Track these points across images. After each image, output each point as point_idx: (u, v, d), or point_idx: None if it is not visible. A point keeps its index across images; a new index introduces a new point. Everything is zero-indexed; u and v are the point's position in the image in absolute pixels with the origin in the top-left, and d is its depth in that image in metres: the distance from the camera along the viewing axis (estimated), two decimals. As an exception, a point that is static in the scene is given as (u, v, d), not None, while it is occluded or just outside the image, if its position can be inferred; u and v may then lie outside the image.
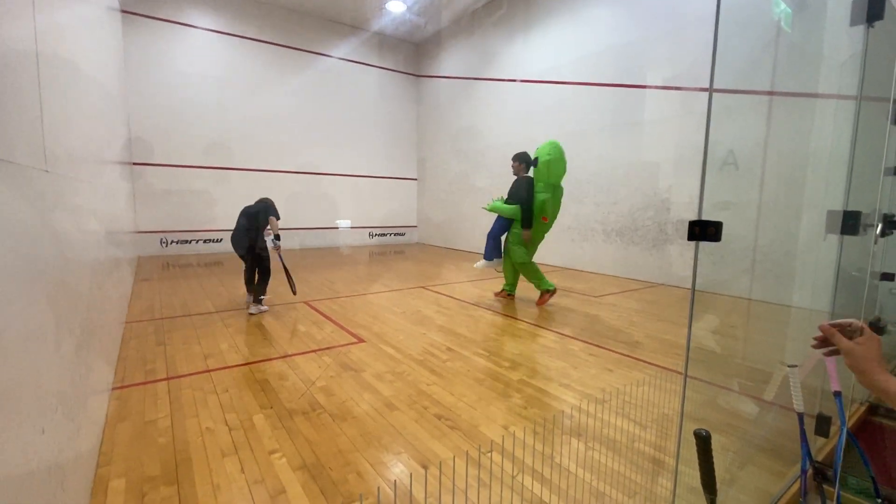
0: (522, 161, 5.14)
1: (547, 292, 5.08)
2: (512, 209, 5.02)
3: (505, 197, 5.23)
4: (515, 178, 5.18)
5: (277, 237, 4.73)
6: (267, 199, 4.89)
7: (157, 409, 2.47)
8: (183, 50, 9.22)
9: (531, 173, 5.12)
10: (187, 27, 9.21)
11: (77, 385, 1.63)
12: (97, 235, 2.76)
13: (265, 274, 4.74)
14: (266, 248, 4.77)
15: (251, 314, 4.52)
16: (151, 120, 8.89)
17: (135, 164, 8.67)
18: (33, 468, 1.07)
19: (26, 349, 1.09)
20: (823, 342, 0.96)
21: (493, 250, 5.27)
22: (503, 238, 5.30)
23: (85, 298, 2.03)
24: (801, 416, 1.49)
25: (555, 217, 5.09)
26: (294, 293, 5.06)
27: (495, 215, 5.31)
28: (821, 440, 2.00)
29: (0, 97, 1.07)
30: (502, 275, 5.50)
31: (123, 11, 8.22)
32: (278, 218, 4.75)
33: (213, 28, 9.51)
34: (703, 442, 1.11)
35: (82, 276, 2.03)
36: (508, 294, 5.43)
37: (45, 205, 1.43)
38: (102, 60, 4.13)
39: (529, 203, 4.94)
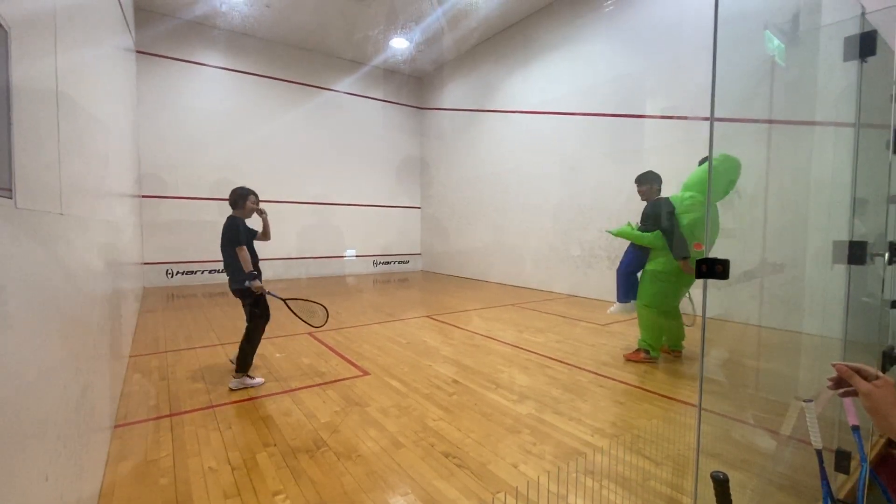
0: (654, 182, 4.15)
1: (646, 353, 4.04)
2: (650, 236, 3.98)
3: (636, 223, 4.22)
4: (646, 202, 4.21)
5: (250, 275, 3.36)
6: (230, 217, 3.50)
7: (159, 448, 2.43)
8: (192, 86, 9.54)
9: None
10: (197, 65, 9.56)
11: (81, 426, 1.61)
12: (106, 270, 2.79)
13: (247, 329, 3.46)
14: (244, 286, 3.39)
15: (231, 389, 3.31)
16: (160, 153, 9.10)
17: (143, 196, 8.83)
18: (36, 518, 1.04)
19: (37, 394, 1.08)
20: (839, 383, 0.95)
21: (628, 290, 4.20)
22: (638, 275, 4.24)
23: (93, 335, 2.03)
24: (819, 454, 1.45)
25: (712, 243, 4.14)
26: (315, 326, 3.77)
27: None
28: (841, 477, 1.93)
29: (22, 144, 1.11)
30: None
31: (138, 51, 8.55)
32: (241, 244, 3.38)
33: (221, 66, 9.86)
34: (721, 485, 1.08)
35: (92, 313, 2.04)
36: (672, 349, 4.24)
37: (60, 246, 1.46)
38: (117, 99, 4.27)
39: (671, 226, 3.85)
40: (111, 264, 3.13)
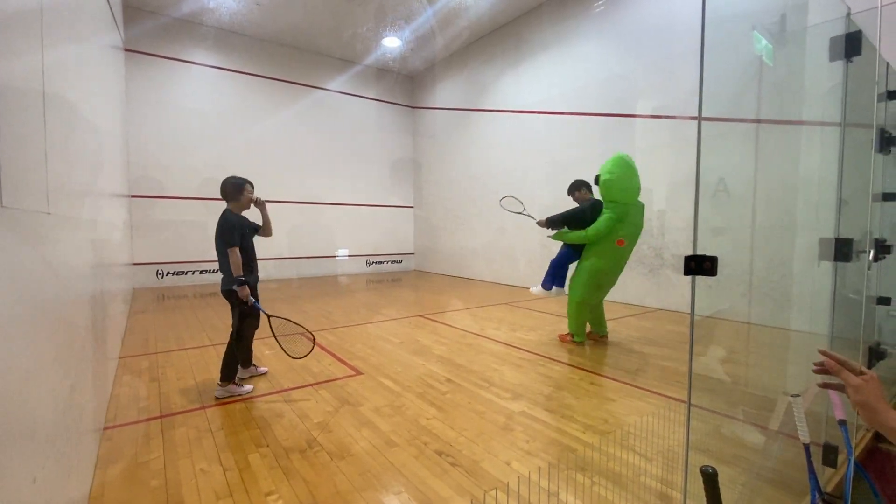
0: (581, 187, 4.72)
1: (570, 336, 4.64)
2: (579, 235, 4.45)
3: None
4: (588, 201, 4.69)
5: (238, 280, 3.12)
6: (225, 212, 3.25)
7: (149, 450, 2.40)
8: (182, 85, 9.44)
9: (597, 193, 4.61)
10: (187, 63, 9.46)
11: (70, 428, 1.59)
12: (94, 271, 2.75)
13: (234, 333, 3.25)
14: (231, 288, 3.18)
15: (216, 398, 3.14)
16: (150, 153, 9.00)
17: (133, 196, 8.72)
18: (23, 520, 1.03)
19: (24, 394, 1.07)
20: (824, 369, 0.96)
21: (551, 278, 4.81)
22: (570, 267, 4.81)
23: (81, 336, 2.00)
24: (807, 448, 1.47)
25: (634, 241, 4.51)
26: (295, 357, 3.29)
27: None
28: (829, 471, 1.96)
29: (7, 142, 1.09)
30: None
31: (126, 50, 8.45)
32: (234, 244, 3.14)
33: (211, 64, 9.77)
34: (710, 479, 1.09)
35: (80, 314, 2.01)
36: (600, 335, 4.77)
37: (47, 246, 1.44)
38: (105, 97, 4.22)
39: (589, 225, 4.40)
40: (100, 264, 3.09)
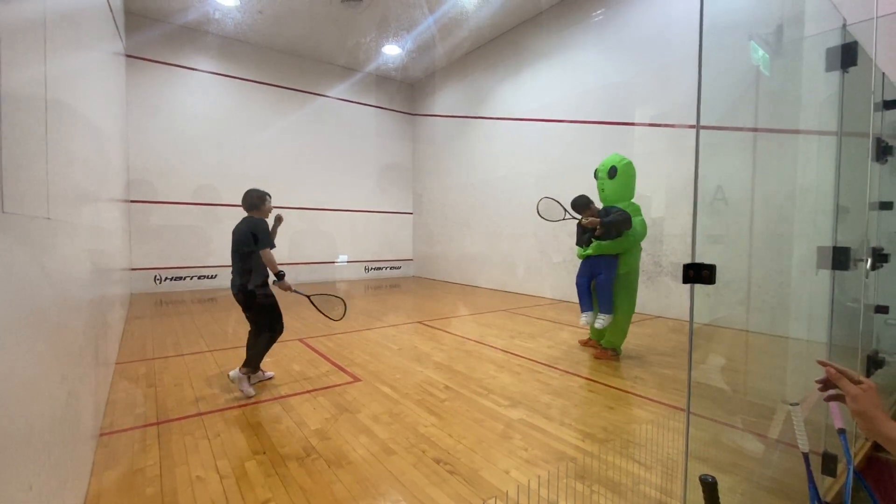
0: (590, 201, 4.49)
1: (611, 351, 4.35)
2: (637, 238, 4.24)
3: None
4: (603, 209, 4.40)
5: (278, 275, 3.48)
6: (251, 218, 3.50)
7: (145, 457, 2.39)
8: (183, 92, 9.48)
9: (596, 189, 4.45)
10: (188, 70, 9.51)
11: (66, 435, 1.58)
12: (93, 276, 2.75)
13: (260, 328, 3.57)
14: (265, 286, 3.55)
15: (229, 376, 3.43)
16: (150, 158, 9.02)
17: (132, 201, 8.73)
18: (18, 529, 1.02)
19: (21, 401, 1.06)
20: (827, 384, 0.96)
21: (610, 301, 4.20)
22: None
23: (79, 342, 2.00)
24: (806, 457, 1.46)
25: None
26: (335, 318, 3.79)
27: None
28: (828, 480, 1.96)
29: (10, 148, 1.10)
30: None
31: (128, 56, 8.49)
32: (272, 246, 3.48)
33: (213, 71, 9.82)
34: (710, 488, 1.09)
35: (78, 320, 2.01)
36: (597, 340, 4.57)
37: (46, 252, 1.44)
38: (106, 103, 4.23)
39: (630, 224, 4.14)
40: (98, 270, 3.09)
